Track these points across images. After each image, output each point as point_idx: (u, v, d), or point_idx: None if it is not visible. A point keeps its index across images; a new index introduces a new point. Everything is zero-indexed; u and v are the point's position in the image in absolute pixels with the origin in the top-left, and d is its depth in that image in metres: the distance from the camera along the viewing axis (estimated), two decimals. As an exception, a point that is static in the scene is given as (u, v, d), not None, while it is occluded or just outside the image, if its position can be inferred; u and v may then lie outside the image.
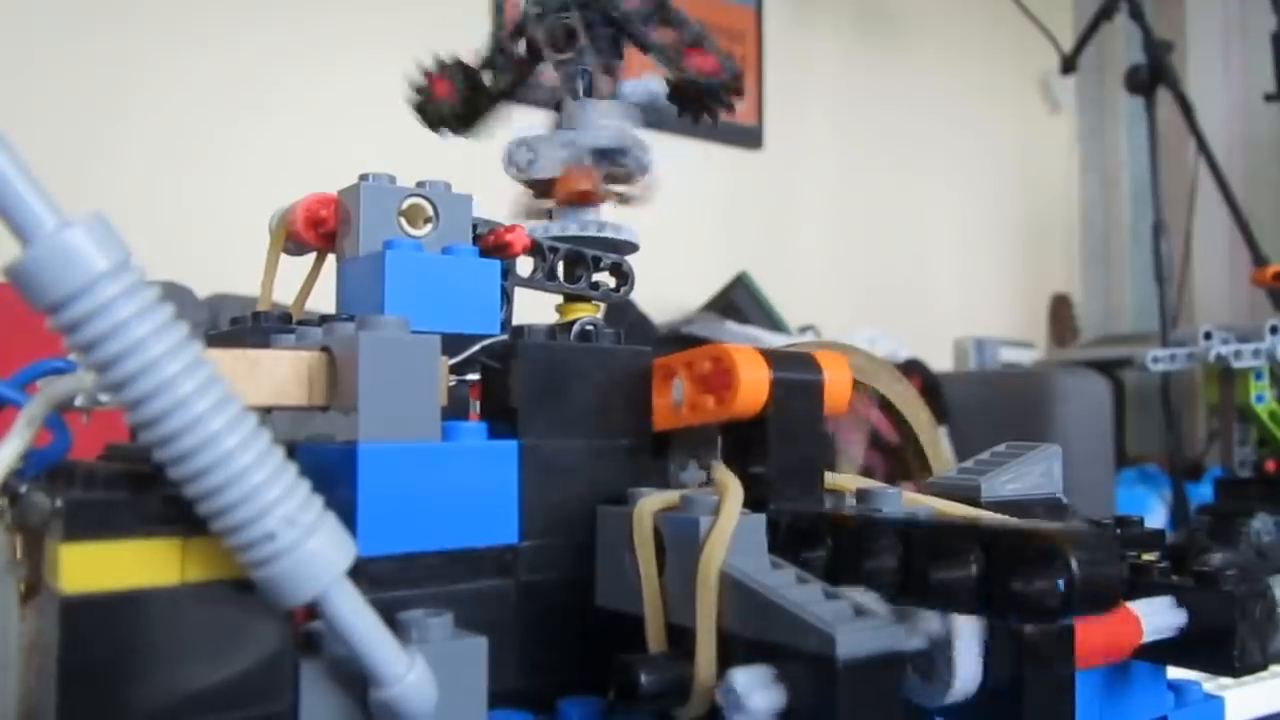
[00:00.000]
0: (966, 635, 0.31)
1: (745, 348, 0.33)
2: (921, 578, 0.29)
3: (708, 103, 0.48)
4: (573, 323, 0.43)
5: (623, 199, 0.48)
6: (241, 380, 0.28)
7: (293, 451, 0.28)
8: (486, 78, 0.49)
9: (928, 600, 0.29)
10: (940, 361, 2.20)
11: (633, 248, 0.48)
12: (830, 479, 0.36)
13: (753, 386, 0.32)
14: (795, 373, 0.33)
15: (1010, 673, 0.34)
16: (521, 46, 0.49)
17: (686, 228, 1.98)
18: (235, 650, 0.26)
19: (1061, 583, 0.26)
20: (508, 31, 0.49)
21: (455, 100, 0.49)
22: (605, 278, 0.47)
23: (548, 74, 0.49)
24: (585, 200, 0.46)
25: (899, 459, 0.51)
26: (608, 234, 0.46)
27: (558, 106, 0.48)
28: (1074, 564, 0.26)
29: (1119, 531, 0.43)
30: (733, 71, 0.47)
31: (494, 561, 0.32)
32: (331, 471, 0.29)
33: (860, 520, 0.32)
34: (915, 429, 0.49)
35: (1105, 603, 0.27)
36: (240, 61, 1.70)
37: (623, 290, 0.47)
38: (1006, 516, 0.34)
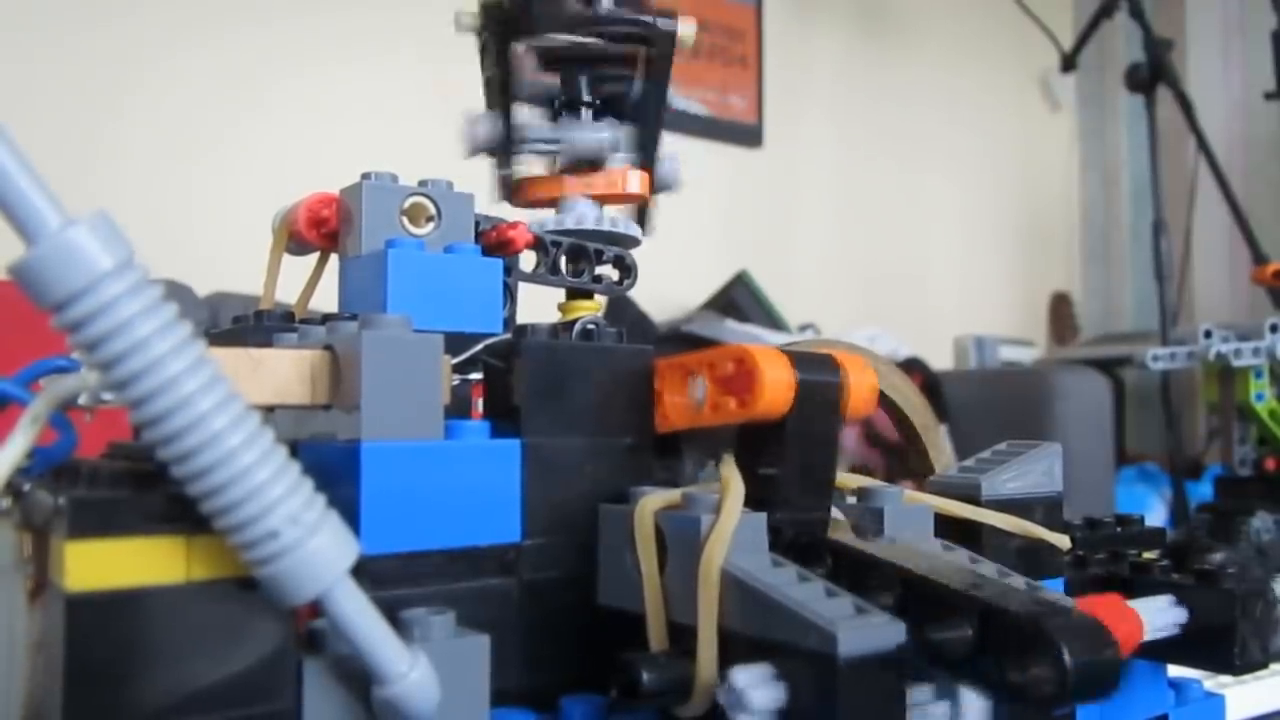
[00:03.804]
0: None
1: (768, 349, 0.32)
2: (918, 631, 0.29)
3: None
4: (575, 321, 0.43)
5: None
6: (244, 379, 0.28)
7: (295, 450, 0.28)
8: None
9: (925, 656, 0.30)
10: (940, 360, 2.20)
11: (634, 241, 0.48)
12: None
13: (777, 389, 0.32)
14: (819, 376, 0.33)
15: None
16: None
17: (686, 226, 1.98)
18: (239, 648, 0.26)
19: (1056, 676, 0.26)
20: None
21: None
22: (608, 271, 0.47)
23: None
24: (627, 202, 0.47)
25: (899, 456, 0.52)
26: (608, 227, 0.46)
27: (563, 106, 0.48)
28: (1067, 658, 0.26)
29: (1119, 530, 0.43)
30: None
31: (496, 560, 0.32)
32: (334, 470, 0.29)
33: (862, 555, 0.32)
34: (916, 427, 0.49)
35: (1101, 693, 0.28)
36: (241, 60, 1.70)
37: (625, 283, 0.47)
38: (1005, 583, 0.33)
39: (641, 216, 0.49)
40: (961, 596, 0.29)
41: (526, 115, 0.48)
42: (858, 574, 0.32)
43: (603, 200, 0.47)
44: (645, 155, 0.48)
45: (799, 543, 0.32)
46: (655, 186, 0.48)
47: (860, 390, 0.34)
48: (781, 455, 0.32)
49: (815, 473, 0.33)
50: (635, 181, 0.47)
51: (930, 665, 0.30)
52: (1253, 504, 0.80)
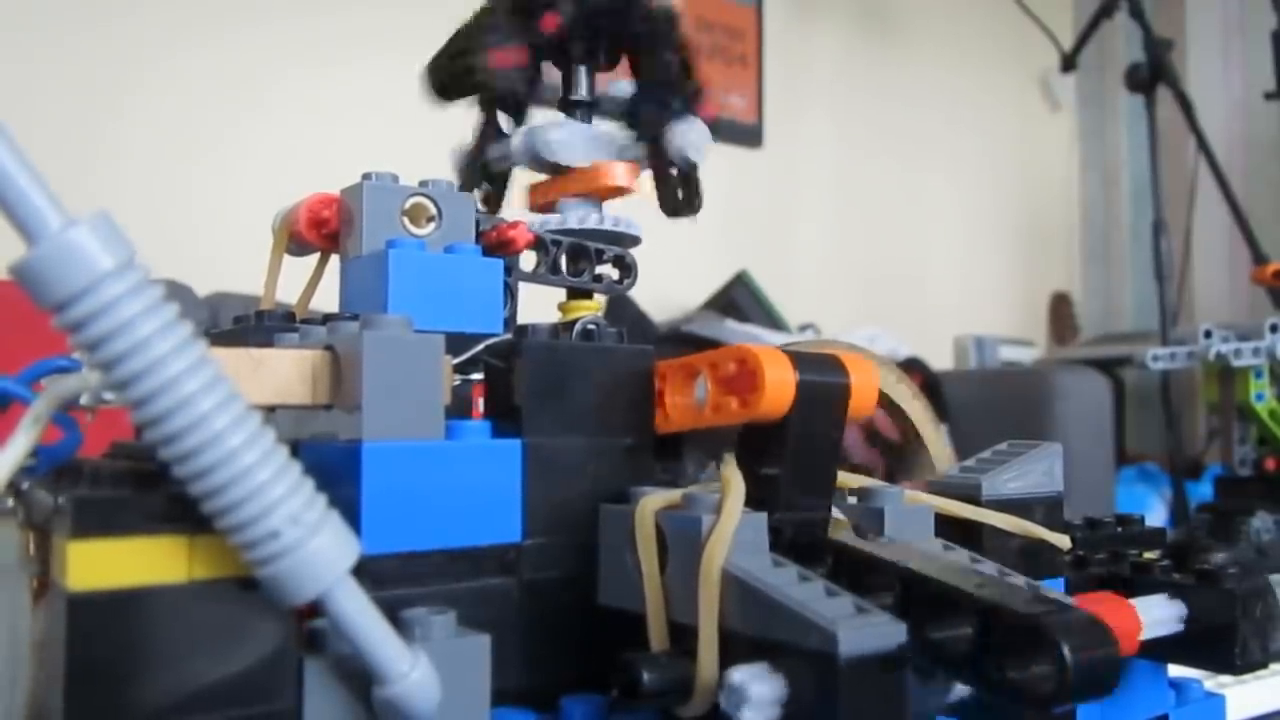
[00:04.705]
0: None
1: (771, 349, 0.32)
2: (919, 630, 0.29)
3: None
4: (575, 322, 0.43)
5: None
6: (245, 379, 0.28)
7: (296, 450, 0.28)
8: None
9: (925, 656, 0.30)
10: (940, 360, 2.20)
11: (635, 241, 0.48)
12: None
13: (779, 389, 0.32)
14: (821, 376, 0.33)
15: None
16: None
17: (686, 226, 1.98)
18: (240, 648, 0.26)
19: (1056, 674, 0.26)
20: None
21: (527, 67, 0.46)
22: (608, 270, 0.47)
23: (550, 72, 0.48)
24: (615, 195, 0.47)
25: (899, 456, 0.52)
26: (609, 227, 0.46)
27: (565, 104, 0.48)
28: (1068, 655, 0.26)
29: (1119, 530, 0.43)
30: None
31: (497, 560, 0.32)
32: (335, 470, 0.29)
33: (862, 555, 0.32)
34: (916, 427, 0.49)
35: (1101, 691, 0.28)
36: (241, 60, 1.70)
37: (626, 282, 0.47)
38: (1005, 580, 0.33)
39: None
40: (962, 595, 0.29)
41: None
42: (858, 574, 0.32)
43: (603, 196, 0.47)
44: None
45: (799, 543, 0.32)
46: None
47: (863, 391, 0.34)
48: (782, 455, 0.32)
49: (816, 473, 0.33)
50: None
51: (931, 665, 0.30)
52: (1253, 504, 0.80)
